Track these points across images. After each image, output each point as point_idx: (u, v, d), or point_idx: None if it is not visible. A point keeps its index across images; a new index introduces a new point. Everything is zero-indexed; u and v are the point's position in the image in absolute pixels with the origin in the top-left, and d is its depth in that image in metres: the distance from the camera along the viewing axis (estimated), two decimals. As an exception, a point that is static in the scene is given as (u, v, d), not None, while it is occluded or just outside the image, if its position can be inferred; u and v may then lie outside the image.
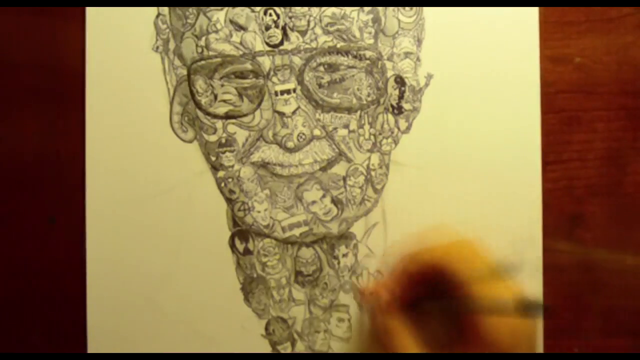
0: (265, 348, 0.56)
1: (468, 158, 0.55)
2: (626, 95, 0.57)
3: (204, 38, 0.55)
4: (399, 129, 0.56)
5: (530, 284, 0.54)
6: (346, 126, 0.55)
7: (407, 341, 0.46)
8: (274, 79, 0.54)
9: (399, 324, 0.46)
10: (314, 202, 0.56)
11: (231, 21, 0.54)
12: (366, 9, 0.55)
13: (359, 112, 0.55)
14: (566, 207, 0.56)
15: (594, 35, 0.56)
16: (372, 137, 0.55)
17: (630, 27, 0.56)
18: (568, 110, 0.56)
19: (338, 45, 0.54)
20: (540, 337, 0.52)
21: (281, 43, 0.54)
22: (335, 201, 0.55)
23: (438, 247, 0.47)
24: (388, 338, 0.46)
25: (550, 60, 0.56)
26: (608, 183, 0.57)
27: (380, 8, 0.55)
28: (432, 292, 0.46)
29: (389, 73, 0.56)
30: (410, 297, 0.47)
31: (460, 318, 0.45)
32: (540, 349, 0.51)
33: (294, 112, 0.54)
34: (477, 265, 0.45)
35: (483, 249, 0.46)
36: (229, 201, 0.56)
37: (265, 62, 0.54)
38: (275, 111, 0.55)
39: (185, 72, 0.56)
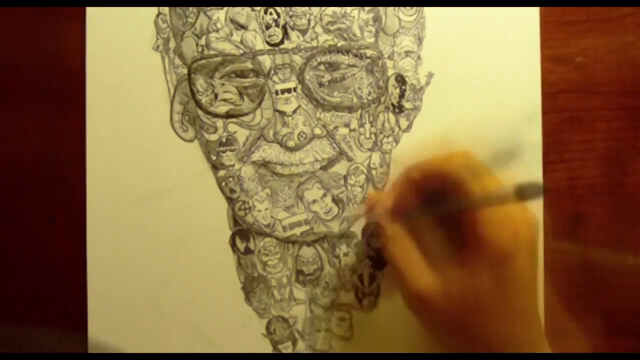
0: (266, 347, 0.55)
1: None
2: (627, 95, 0.56)
3: (204, 37, 0.53)
4: (399, 127, 0.55)
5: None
6: (347, 125, 0.54)
7: (409, 248, 0.47)
8: (275, 78, 0.53)
9: (401, 232, 0.47)
10: (314, 201, 0.54)
11: (231, 20, 0.53)
12: (367, 7, 0.53)
13: (359, 111, 0.54)
14: (567, 207, 0.55)
15: (595, 35, 0.55)
16: (372, 136, 0.54)
17: (631, 26, 0.55)
18: (569, 110, 0.55)
19: (339, 44, 0.53)
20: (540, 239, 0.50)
21: (282, 42, 0.53)
22: (336, 200, 0.54)
23: (438, 156, 0.47)
24: (391, 246, 0.47)
25: (550, 59, 0.55)
26: (609, 183, 0.56)
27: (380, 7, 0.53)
28: (433, 198, 0.47)
29: (390, 72, 0.54)
30: (412, 204, 0.48)
31: (461, 221, 0.45)
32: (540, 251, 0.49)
33: (294, 111, 0.53)
34: (474, 166, 0.45)
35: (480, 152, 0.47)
36: (230, 200, 0.55)
37: (266, 61, 0.53)
38: (275, 110, 0.53)
39: (185, 71, 0.54)
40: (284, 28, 0.53)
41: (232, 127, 0.54)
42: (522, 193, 0.40)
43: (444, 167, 0.46)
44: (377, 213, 0.49)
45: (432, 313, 0.45)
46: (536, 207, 0.52)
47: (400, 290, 0.47)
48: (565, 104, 0.55)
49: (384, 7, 0.54)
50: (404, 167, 0.49)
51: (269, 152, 0.54)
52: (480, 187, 0.44)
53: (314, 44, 0.53)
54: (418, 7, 0.54)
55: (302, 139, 0.53)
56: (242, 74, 0.53)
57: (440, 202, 0.47)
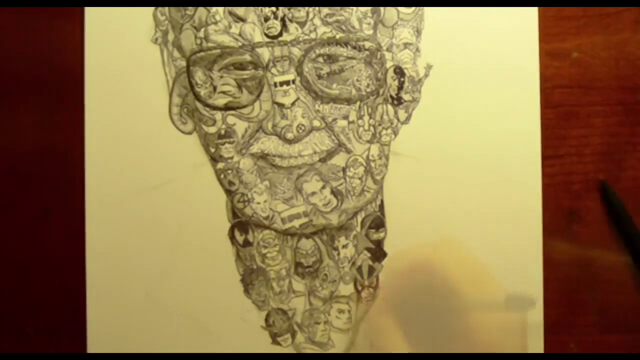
0: (265, 339, 0.54)
1: (467, 149, 0.53)
2: (623, 90, 0.54)
3: (203, 29, 0.52)
4: (398, 119, 0.54)
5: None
6: (345, 117, 0.52)
7: (398, 341, 0.46)
8: (273, 70, 0.52)
9: (391, 324, 0.47)
10: (313, 193, 0.53)
11: (230, 12, 0.52)
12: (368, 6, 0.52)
13: (358, 103, 0.53)
14: (563, 202, 0.54)
15: (592, 31, 0.54)
16: (371, 128, 0.53)
17: (628, 22, 0.54)
18: (565, 105, 0.54)
19: (337, 36, 0.52)
20: (540, 334, 0.50)
21: (280, 34, 0.52)
22: (335, 192, 0.53)
23: (427, 244, 0.46)
24: (380, 338, 0.47)
25: (548, 54, 0.54)
26: (605, 178, 0.54)
27: (379, -3, 0.52)
28: (421, 290, 0.46)
29: (388, 64, 0.53)
30: (401, 295, 0.47)
31: (449, 316, 0.44)
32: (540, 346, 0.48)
33: (293, 104, 0.52)
34: (466, 264, 0.44)
35: (469, 250, 0.46)
36: (229, 193, 0.53)
37: (265, 54, 0.52)
38: (274, 102, 0.52)
39: (184, 63, 0.53)
40: (283, 20, 0.52)
41: (230, 120, 0.53)
42: (515, 304, 0.39)
43: (433, 257, 0.46)
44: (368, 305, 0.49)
45: None
46: (534, 203, 0.52)
47: None
48: (562, 99, 0.54)
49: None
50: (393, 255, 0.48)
51: (267, 144, 0.52)
52: (470, 290, 0.44)
53: (313, 36, 0.52)
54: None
55: (300, 131, 0.52)
56: (240, 67, 0.52)
57: (428, 296, 0.46)
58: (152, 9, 0.53)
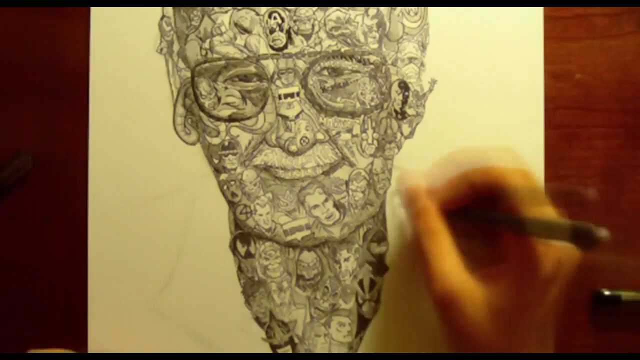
0: (265, 351, 0.54)
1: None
2: (625, 113, 0.54)
3: (208, 40, 0.52)
4: (402, 134, 0.53)
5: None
6: (349, 130, 0.52)
7: (448, 245, 0.45)
8: (278, 82, 0.52)
9: (443, 227, 0.46)
10: (316, 206, 0.53)
11: (235, 24, 0.52)
12: (371, 13, 0.52)
13: (362, 116, 0.52)
14: None
15: (596, 52, 0.54)
16: (375, 141, 0.52)
17: (632, 45, 0.54)
18: (567, 127, 0.54)
19: (342, 50, 0.52)
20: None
21: (285, 46, 0.52)
22: (337, 205, 0.53)
23: (501, 167, 0.45)
24: (429, 239, 0.46)
25: (551, 75, 0.53)
26: (605, 201, 0.54)
27: (384, 12, 0.52)
28: (485, 205, 0.45)
29: (393, 78, 0.53)
30: (462, 204, 0.46)
31: (506, 237, 0.44)
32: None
33: (297, 116, 0.52)
34: (535, 190, 0.44)
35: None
36: (231, 204, 0.53)
37: (269, 66, 0.51)
38: (278, 114, 0.52)
39: (189, 74, 0.53)
40: (288, 32, 0.52)
41: (234, 131, 0.52)
42: (578, 237, 0.38)
43: (506, 179, 0.44)
44: (417, 203, 0.48)
45: (455, 317, 0.44)
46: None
47: (428, 286, 0.45)
48: (564, 120, 0.54)
49: (388, 13, 0.52)
50: (466, 168, 0.47)
51: (271, 156, 0.52)
52: (535, 213, 0.43)
53: (318, 49, 0.52)
54: (422, 14, 0.53)
55: (304, 143, 0.51)
56: (245, 78, 0.52)
57: (492, 212, 0.45)
58: (157, 19, 0.53)
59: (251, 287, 0.53)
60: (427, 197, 0.47)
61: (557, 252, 0.42)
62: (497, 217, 0.45)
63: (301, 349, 0.54)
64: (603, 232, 0.37)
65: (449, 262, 0.45)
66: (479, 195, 0.45)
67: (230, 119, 0.52)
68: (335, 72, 0.52)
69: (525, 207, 0.43)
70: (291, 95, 0.51)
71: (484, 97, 0.53)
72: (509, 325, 0.43)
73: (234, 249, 0.53)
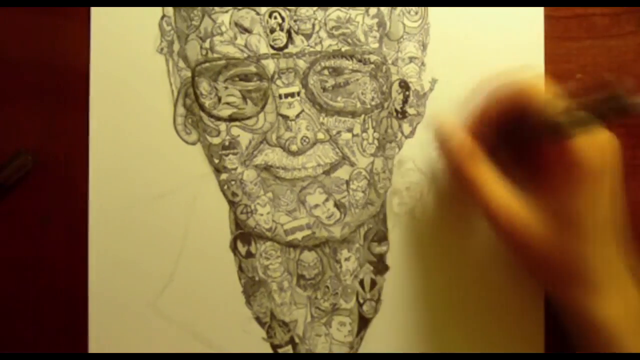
0: (266, 351, 0.53)
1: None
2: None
3: (208, 40, 0.51)
4: (402, 133, 0.53)
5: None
6: (350, 130, 0.52)
7: (491, 171, 0.46)
8: (278, 82, 0.51)
9: (482, 155, 0.46)
10: (316, 205, 0.52)
11: (236, 24, 0.51)
12: (371, 12, 0.51)
13: (362, 116, 0.52)
14: None
15: (596, 52, 0.53)
16: (375, 141, 0.52)
17: (632, 45, 0.53)
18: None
19: (343, 49, 0.51)
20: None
21: (286, 46, 0.51)
22: (338, 205, 0.52)
23: (516, 81, 0.46)
24: (473, 165, 0.46)
25: (551, 75, 0.52)
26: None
27: (385, 12, 0.52)
28: (513, 124, 0.46)
29: (394, 77, 0.52)
30: (494, 132, 0.47)
31: (545, 151, 0.45)
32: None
33: (297, 116, 0.51)
34: (555, 97, 0.44)
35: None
36: (232, 204, 0.53)
37: (270, 65, 0.51)
38: (279, 114, 0.51)
39: (189, 74, 0.52)
40: (289, 32, 0.51)
41: (235, 131, 0.52)
42: (612, 108, 0.39)
43: (529, 89, 0.45)
44: (452, 141, 0.47)
45: (522, 240, 0.45)
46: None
47: (486, 217, 0.46)
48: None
49: (389, 12, 0.52)
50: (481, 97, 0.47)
51: (271, 156, 0.52)
52: (558, 111, 0.43)
53: (318, 48, 0.51)
54: (423, 13, 0.52)
55: (304, 143, 0.51)
56: (245, 78, 0.51)
57: (519, 130, 0.46)
58: (157, 19, 0.52)
59: (252, 287, 0.53)
60: (461, 131, 0.47)
61: (598, 144, 0.43)
62: (529, 127, 0.45)
63: (302, 349, 0.53)
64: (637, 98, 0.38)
65: (499, 187, 0.45)
66: (509, 115, 0.46)
67: (231, 119, 0.52)
68: (336, 71, 0.51)
69: (547, 110, 0.43)
70: (292, 94, 0.51)
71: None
72: (575, 228, 0.43)
73: (234, 248, 0.53)
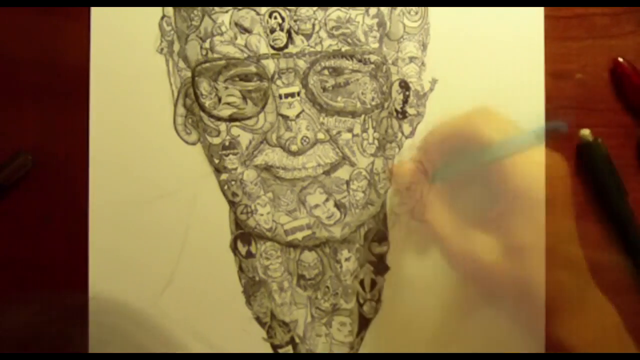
0: (266, 351, 0.53)
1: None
2: (625, 113, 0.53)
3: (208, 40, 0.51)
4: (402, 133, 0.53)
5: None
6: (350, 130, 0.51)
7: (443, 208, 0.46)
8: (278, 82, 0.51)
9: (433, 193, 0.47)
10: (317, 205, 0.52)
11: (236, 24, 0.51)
12: (371, 12, 0.51)
13: (363, 116, 0.51)
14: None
15: (596, 52, 0.53)
16: (375, 141, 0.52)
17: (632, 45, 0.53)
18: (568, 126, 0.52)
19: (343, 49, 0.51)
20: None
21: (286, 46, 0.51)
22: (338, 205, 0.52)
23: (461, 116, 0.46)
24: (426, 209, 0.47)
25: (551, 75, 0.52)
26: (607, 201, 0.53)
27: (385, 12, 0.52)
28: (457, 155, 0.46)
29: (394, 77, 0.52)
30: (438, 164, 0.47)
31: (491, 177, 0.44)
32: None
33: (298, 116, 0.51)
34: (499, 125, 0.44)
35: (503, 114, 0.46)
36: (232, 204, 0.52)
37: (270, 65, 0.51)
38: (279, 114, 0.51)
39: (189, 74, 0.52)
40: (289, 32, 0.51)
41: (235, 131, 0.52)
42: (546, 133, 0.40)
43: (466, 123, 0.45)
44: (405, 179, 0.49)
45: (477, 272, 0.44)
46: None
47: (442, 253, 0.47)
48: (565, 119, 0.53)
49: (389, 13, 0.52)
50: (429, 132, 0.48)
51: (271, 156, 0.51)
52: (502, 135, 0.43)
53: (318, 48, 0.51)
54: (423, 13, 0.52)
55: (305, 143, 0.51)
56: (245, 78, 0.51)
57: (465, 159, 0.45)
58: (157, 19, 0.52)
59: (252, 287, 0.53)
60: (410, 170, 0.49)
61: (543, 171, 0.42)
62: (470, 160, 0.45)
63: (302, 349, 0.53)
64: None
65: (453, 224, 0.46)
66: (452, 147, 0.46)
67: (231, 119, 0.51)
68: (336, 71, 0.51)
69: (491, 135, 0.44)
70: (292, 95, 0.51)
71: (485, 97, 0.52)
72: (525, 257, 0.43)
73: (234, 248, 0.53)
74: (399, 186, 0.51)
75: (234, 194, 0.52)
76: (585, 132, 0.52)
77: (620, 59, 0.52)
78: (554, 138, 0.51)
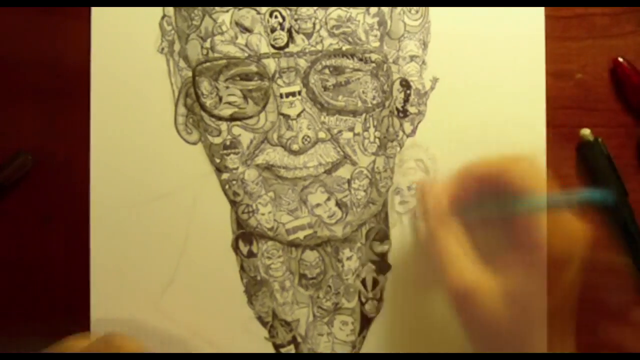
0: (268, 351, 0.53)
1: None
2: (625, 113, 0.53)
3: (209, 40, 0.51)
4: (404, 132, 0.53)
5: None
6: (351, 129, 0.51)
7: (459, 242, 0.45)
8: (279, 82, 0.51)
9: (454, 225, 0.45)
10: (318, 205, 0.52)
11: (237, 23, 0.51)
12: (372, 11, 0.51)
13: (364, 115, 0.51)
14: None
15: (596, 52, 0.53)
16: (377, 140, 0.51)
17: (632, 45, 0.53)
18: (568, 126, 0.53)
19: (343, 48, 0.51)
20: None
21: (287, 45, 0.51)
22: (339, 204, 0.52)
23: (503, 157, 0.45)
24: (441, 237, 0.45)
25: (552, 75, 0.52)
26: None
27: (386, 11, 0.52)
28: (491, 197, 0.45)
29: (395, 76, 0.52)
30: (469, 200, 0.46)
31: (516, 224, 0.44)
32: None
33: (299, 115, 0.51)
34: (534, 178, 0.44)
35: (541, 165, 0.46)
36: (233, 203, 0.52)
37: (271, 65, 0.51)
38: (280, 113, 0.51)
39: (190, 73, 0.52)
40: (289, 31, 0.51)
41: (236, 130, 0.51)
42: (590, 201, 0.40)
43: (508, 168, 0.44)
44: (429, 201, 0.47)
45: (474, 310, 0.43)
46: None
47: (444, 283, 0.45)
48: (565, 119, 0.53)
49: (389, 11, 0.51)
50: (468, 164, 0.47)
51: (272, 155, 0.51)
52: (541, 191, 0.43)
53: (319, 47, 0.51)
54: (424, 12, 0.52)
55: (306, 142, 0.50)
56: (246, 77, 0.51)
57: (499, 203, 0.45)
58: (158, 18, 0.52)
59: (254, 287, 0.52)
60: (436, 195, 0.47)
61: (567, 233, 0.42)
62: (503, 206, 0.45)
63: (304, 349, 0.53)
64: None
65: (463, 258, 0.44)
66: (488, 187, 0.45)
67: (232, 118, 0.51)
68: (337, 70, 0.51)
69: (530, 187, 0.43)
70: (293, 94, 0.51)
71: (486, 96, 0.52)
72: (525, 311, 0.42)
73: (236, 248, 0.52)
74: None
75: (235, 194, 0.52)
76: (586, 131, 0.52)
77: (620, 59, 0.52)
78: (557, 141, 0.51)
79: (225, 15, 0.51)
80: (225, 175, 0.52)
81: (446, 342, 0.52)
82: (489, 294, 0.43)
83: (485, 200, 0.45)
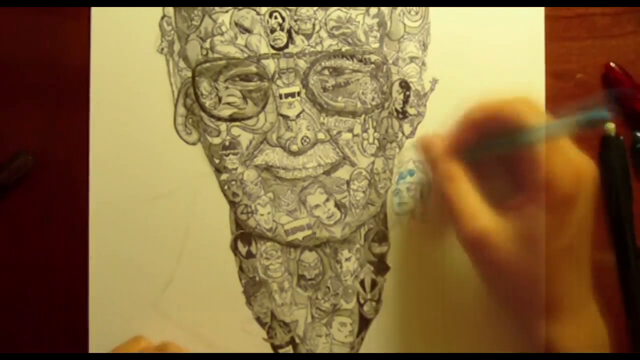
0: (266, 351, 0.52)
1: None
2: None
3: (209, 40, 0.51)
4: (403, 133, 0.52)
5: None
6: (350, 130, 0.51)
7: (467, 187, 0.45)
8: (279, 82, 0.50)
9: (459, 171, 0.45)
10: (317, 205, 0.52)
11: (236, 24, 0.50)
12: (372, 12, 0.51)
13: (363, 116, 0.51)
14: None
15: (596, 52, 0.53)
16: (376, 141, 0.51)
17: (633, 45, 0.53)
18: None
19: (343, 49, 0.51)
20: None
21: (286, 46, 0.50)
22: (338, 205, 0.51)
23: (500, 99, 0.45)
24: (449, 185, 0.45)
25: (552, 75, 0.52)
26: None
27: (385, 12, 0.51)
28: (493, 137, 0.45)
29: (394, 77, 0.52)
30: (471, 143, 0.46)
31: (521, 164, 0.43)
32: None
33: (298, 116, 0.50)
34: (533, 115, 0.43)
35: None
36: (232, 204, 0.52)
37: (270, 65, 0.50)
38: (279, 114, 0.51)
39: (190, 74, 0.51)
40: (289, 32, 0.50)
41: (235, 131, 0.51)
42: (587, 122, 0.40)
43: (506, 108, 0.44)
44: (432, 152, 0.47)
45: (488, 254, 0.43)
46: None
47: (456, 230, 0.45)
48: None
49: (389, 12, 0.51)
50: (467, 108, 0.46)
51: (272, 156, 0.51)
52: (541, 121, 0.43)
53: (319, 48, 0.50)
54: (423, 13, 0.52)
55: (305, 143, 0.50)
56: (246, 78, 0.51)
57: (500, 140, 0.44)
58: (158, 19, 0.52)
59: (252, 287, 0.52)
60: (439, 144, 0.47)
61: (574, 170, 0.42)
62: (504, 142, 0.44)
63: (302, 349, 0.52)
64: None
65: (473, 203, 0.44)
66: (488, 129, 0.45)
67: (231, 119, 0.51)
68: (336, 71, 0.50)
69: (529, 121, 0.43)
70: (292, 94, 0.50)
71: (485, 97, 0.51)
72: (538, 251, 0.42)
73: (235, 249, 0.52)
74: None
75: (234, 194, 0.52)
76: (610, 126, 0.51)
77: (612, 64, 0.52)
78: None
79: (225, 16, 0.50)
80: (224, 176, 0.52)
81: (445, 343, 0.52)
82: (502, 236, 0.43)
83: (487, 140, 0.45)
